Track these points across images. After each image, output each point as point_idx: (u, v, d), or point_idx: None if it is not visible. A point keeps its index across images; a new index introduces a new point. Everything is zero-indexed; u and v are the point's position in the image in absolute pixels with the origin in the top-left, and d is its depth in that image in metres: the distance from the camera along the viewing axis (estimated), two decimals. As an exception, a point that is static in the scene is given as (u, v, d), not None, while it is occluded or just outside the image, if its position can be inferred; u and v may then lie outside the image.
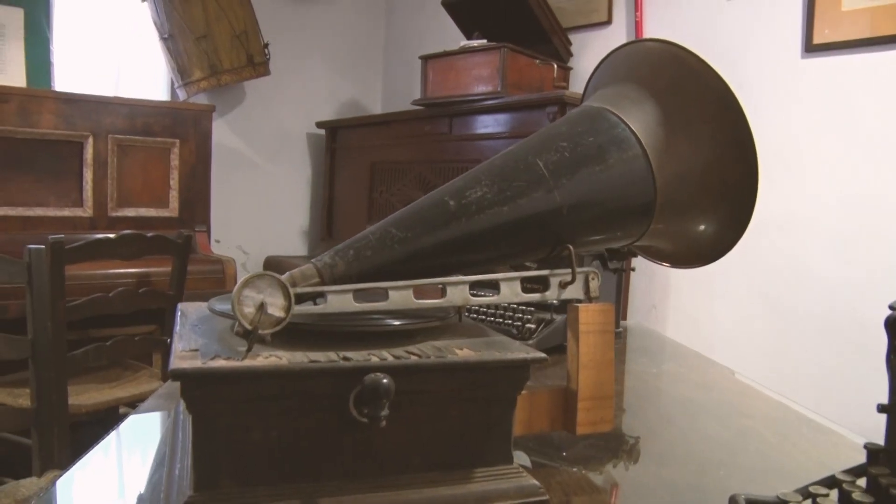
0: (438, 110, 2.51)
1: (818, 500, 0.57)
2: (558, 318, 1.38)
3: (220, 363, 0.56)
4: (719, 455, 0.86)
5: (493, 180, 0.74)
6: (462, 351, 0.65)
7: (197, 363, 0.56)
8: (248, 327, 0.58)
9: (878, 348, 1.88)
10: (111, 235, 1.77)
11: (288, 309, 0.60)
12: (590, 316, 0.78)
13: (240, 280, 0.59)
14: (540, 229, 0.75)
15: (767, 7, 2.02)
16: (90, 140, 2.32)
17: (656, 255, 0.95)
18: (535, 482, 0.67)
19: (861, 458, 0.85)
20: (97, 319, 1.78)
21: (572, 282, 0.76)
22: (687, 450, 0.87)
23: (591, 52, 2.58)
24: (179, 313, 0.78)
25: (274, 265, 2.97)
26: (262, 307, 0.59)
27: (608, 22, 2.50)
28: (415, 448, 0.64)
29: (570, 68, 2.56)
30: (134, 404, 2.25)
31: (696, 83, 0.81)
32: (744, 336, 2.15)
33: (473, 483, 0.66)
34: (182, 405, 0.84)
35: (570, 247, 0.77)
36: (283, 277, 0.61)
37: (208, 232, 2.56)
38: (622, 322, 1.66)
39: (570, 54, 2.59)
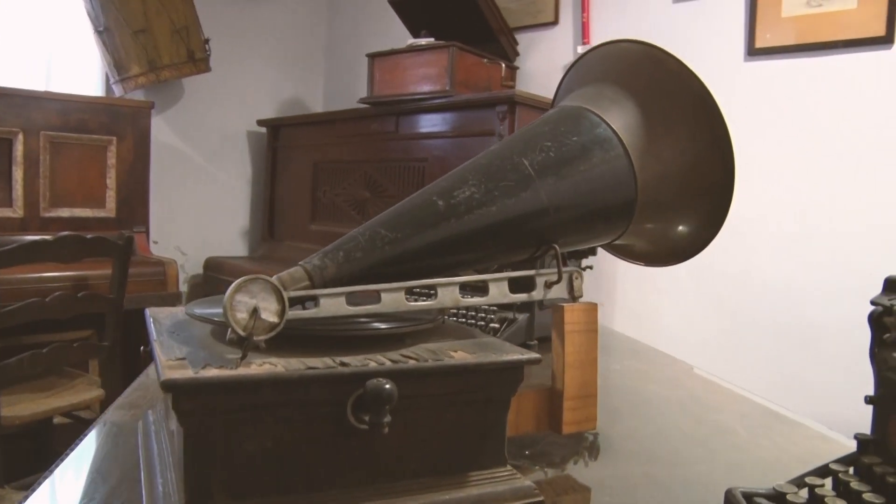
0: (385, 109, 2.48)
1: (815, 490, 0.58)
2: (521, 316, 1.38)
3: (214, 372, 0.54)
4: (698, 451, 0.87)
5: (480, 180, 0.73)
6: (458, 353, 0.64)
7: (189, 373, 0.53)
8: (242, 334, 0.56)
9: (822, 345, 1.95)
10: (48, 237, 1.68)
11: (282, 314, 0.58)
12: (575, 315, 0.78)
13: (232, 284, 0.56)
14: (526, 229, 0.75)
15: (712, 11, 2.08)
16: (20, 137, 2.20)
17: (629, 255, 0.96)
18: (530, 483, 0.67)
19: (829, 448, 0.88)
20: (27, 325, 1.69)
21: (558, 281, 0.76)
22: (667, 447, 0.88)
23: (537, 52, 2.60)
24: (151, 319, 0.74)
25: (215, 267, 2.89)
26: (255, 312, 0.57)
27: (555, 22, 2.52)
28: (411, 454, 0.63)
29: (517, 68, 2.58)
30: (71, 414, 2.15)
31: (674, 84, 0.81)
32: (688, 332, 2.21)
33: (469, 487, 0.65)
34: (152, 416, 0.80)
35: (556, 247, 0.77)
36: (273, 280, 0.59)
37: (147, 233, 2.46)
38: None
39: (517, 54, 2.60)
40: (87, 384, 2.05)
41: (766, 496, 0.60)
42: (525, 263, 0.78)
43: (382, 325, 0.67)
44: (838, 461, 0.62)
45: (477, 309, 1.39)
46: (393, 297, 0.65)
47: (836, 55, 1.85)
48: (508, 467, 0.68)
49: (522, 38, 2.61)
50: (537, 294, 0.76)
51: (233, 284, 0.56)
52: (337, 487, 0.60)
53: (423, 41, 2.38)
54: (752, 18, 1.97)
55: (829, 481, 0.61)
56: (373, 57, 2.48)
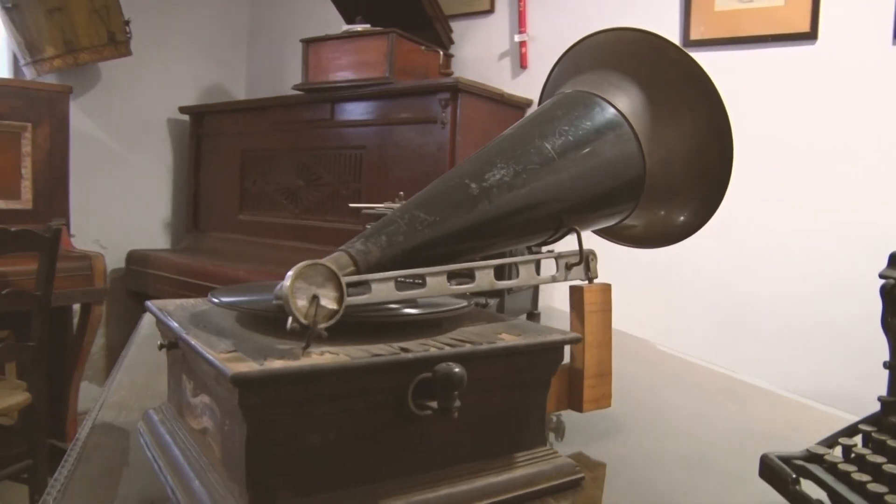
0: (320, 96, 2.43)
1: (852, 450, 0.62)
2: (492, 301, 1.39)
3: (280, 364, 0.51)
4: (699, 426, 0.90)
5: (507, 163, 0.72)
6: (504, 336, 0.64)
7: (255, 366, 0.50)
8: (305, 322, 0.53)
9: (754, 321, 2.04)
10: (-30, 231, 1.56)
11: (341, 300, 0.56)
12: (593, 296, 0.79)
13: (291, 270, 0.54)
14: (550, 212, 0.75)
15: (649, 3, 2.15)
16: (-80, 122, 2.02)
17: (621, 238, 0.98)
18: (571, 461, 0.68)
19: (812, 416, 0.94)
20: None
21: (579, 263, 0.77)
22: (668, 423, 0.91)
23: (472, 40, 2.61)
24: (164, 312, 0.69)
25: (139, 260, 2.75)
26: (314, 300, 0.54)
27: (490, 11, 2.53)
28: (462, 439, 0.62)
29: (452, 56, 2.58)
30: (-8, 421, 2.01)
31: (677, 71, 0.84)
32: (635, 312, 2.28)
33: (517, 468, 0.65)
34: (156, 416, 0.75)
35: (577, 229, 0.77)
36: (332, 266, 0.56)
37: (68, 225, 2.31)
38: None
39: (452, 42, 2.60)
40: (10, 388, 1.91)
41: (804, 458, 0.63)
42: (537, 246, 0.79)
43: (415, 311, 0.66)
44: (864, 421, 0.65)
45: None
46: (437, 281, 0.64)
47: (765, 49, 1.95)
48: (549, 446, 0.68)
49: (457, 26, 2.61)
50: (559, 275, 0.76)
51: (292, 271, 0.54)
52: (395, 478, 0.58)
53: (359, 27, 2.35)
54: (686, 11, 2.05)
55: (858, 439, 0.64)
56: (307, 43, 2.42)
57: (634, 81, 0.84)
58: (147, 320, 1.32)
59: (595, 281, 0.80)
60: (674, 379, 1.17)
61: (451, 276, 0.66)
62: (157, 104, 3.00)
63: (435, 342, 0.60)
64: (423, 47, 2.38)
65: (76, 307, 2.41)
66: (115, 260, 2.84)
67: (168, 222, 3.13)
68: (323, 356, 0.54)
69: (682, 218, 0.90)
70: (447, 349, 0.58)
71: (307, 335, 0.53)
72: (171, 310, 0.71)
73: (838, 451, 0.64)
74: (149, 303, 0.75)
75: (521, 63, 2.48)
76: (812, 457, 0.63)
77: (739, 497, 0.67)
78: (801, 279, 1.96)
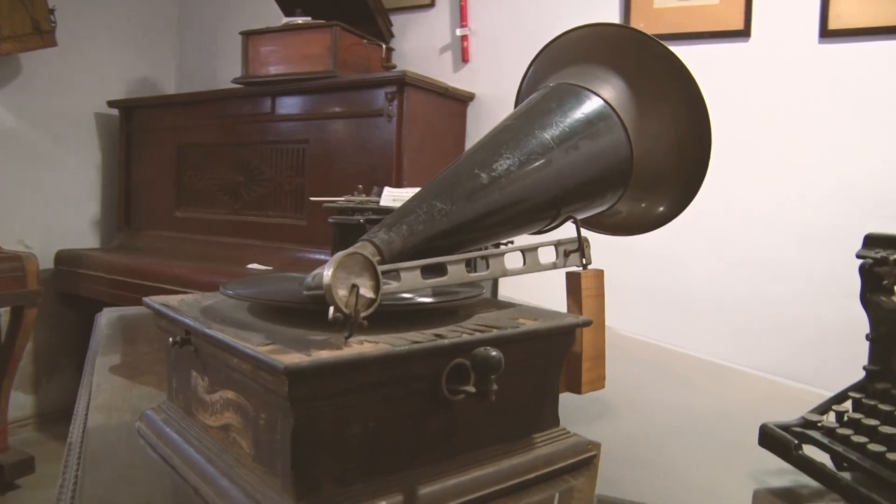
0: (260, 89, 2.38)
1: (844, 416, 0.66)
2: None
3: (328, 354, 0.51)
4: (682, 402, 0.95)
5: (512, 153, 0.74)
6: (524, 321, 0.65)
7: (304, 357, 0.50)
8: (348, 312, 0.53)
9: (693, 302, 2.11)
10: None
11: (377, 289, 0.56)
12: (589, 281, 0.82)
13: (331, 259, 0.54)
14: (551, 200, 0.77)
15: (588, -1, 2.21)
16: None
17: (600, 226, 1.01)
18: (585, 440, 0.70)
19: (779, 390, 0.99)
20: None
21: (578, 250, 0.79)
22: (650, 401, 0.95)
23: (412, 34, 2.61)
24: (167, 309, 0.68)
25: (70, 260, 2.62)
26: (354, 289, 0.54)
27: (431, 5, 2.54)
28: (488, 422, 0.63)
29: (393, 49, 2.57)
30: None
31: (659, 66, 0.87)
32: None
33: (537, 449, 0.66)
34: (157, 416, 0.73)
35: (575, 216, 0.80)
36: (368, 255, 0.56)
37: (-8, 226, 2.19)
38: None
39: (392, 35, 2.60)
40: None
41: (801, 426, 0.68)
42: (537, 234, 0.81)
43: (431, 299, 0.67)
44: (851, 389, 0.70)
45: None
46: (457, 269, 0.65)
47: (703, 45, 2.04)
48: (562, 426, 0.70)
49: (397, 20, 2.61)
50: (560, 262, 0.78)
51: (333, 260, 0.53)
52: (428, 464, 0.59)
53: (299, 20, 2.31)
54: (626, 7, 2.12)
55: (848, 405, 0.69)
56: (247, 35, 2.37)
57: (618, 74, 0.87)
58: (105, 320, 1.27)
59: (588, 267, 0.82)
60: (638, 360, 1.21)
61: (468, 263, 0.67)
62: (83, 98, 2.86)
63: (464, 328, 0.61)
64: (365, 41, 2.37)
65: (2, 311, 2.29)
66: (44, 261, 2.70)
67: (97, 221, 2.99)
68: (363, 345, 0.54)
69: (662, 205, 0.93)
70: (477, 335, 0.59)
71: (349, 325, 0.53)
72: (175, 305, 0.69)
73: (831, 417, 0.68)
74: (148, 300, 0.73)
75: (463, 57, 2.51)
76: (808, 424, 0.68)
77: (741, 464, 0.71)
78: (735, 263, 2.06)
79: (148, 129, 2.77)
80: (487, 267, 0.69)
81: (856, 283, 1.91)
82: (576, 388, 0.81)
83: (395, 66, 2.46)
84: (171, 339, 0.65)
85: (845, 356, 1.81)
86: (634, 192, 0.90)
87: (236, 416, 0.59)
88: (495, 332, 0.60)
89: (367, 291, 0.55)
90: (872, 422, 0.64)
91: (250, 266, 2.28)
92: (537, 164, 0.74)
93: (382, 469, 0.56)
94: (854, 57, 1.87)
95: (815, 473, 0.63)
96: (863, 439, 0.62)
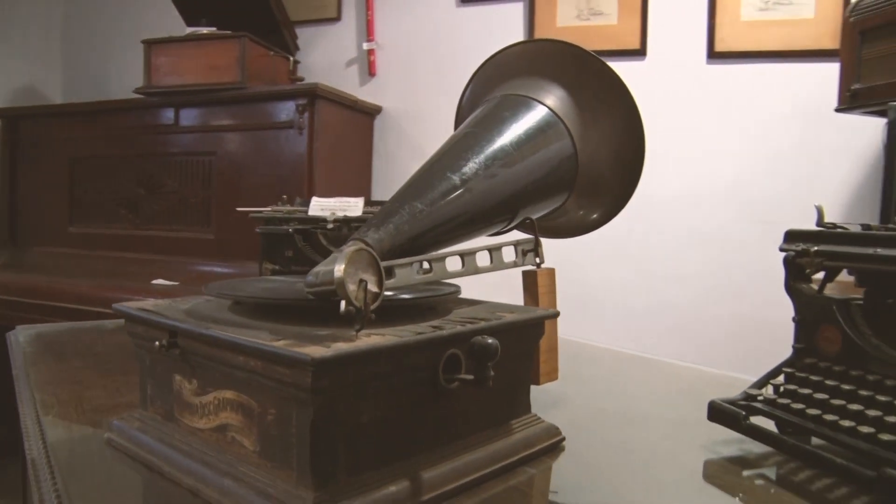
0: (162, 100, 2.31)
1: (780, 388, 0.75)
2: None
3: (346, 346, 0.53)
4: (617, 388, 1.02)
5: (477, 158, 0.78)
6: (504, 314, 0.70)
7: (324, 350, 0.52)
8: (359, 306, 0.56)
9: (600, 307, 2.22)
10: None
11: (381, 284, 0.59)
12: (543, 279, 0.87)
13: (342, 255, 0.56)
14: (512, 202, 0.82)
15: (495, 16, 2.29)
16: None
17: (541, 229, 1.07)
18: (555, 425, 0.75)
19: (691, 373, 1.09)
20: None
21: (534, 249, 0.85)
22: (590, 389, 1.01)
23: (318, 47, 2.62)
24: (149, 314, 0.67)
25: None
26: (363, 283, 0.57)
27: (337, 18, 2.56)
28: (474, 411, 0.67)
29: (299, 62, 2.56)
30: None
31: (599, 79, 0.94)
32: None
33: (516, 433, 0.71)
34: (124, 424, 0.72)
35: (532, 218, 0.85)
36: (373, 251, 0.59)
37: None
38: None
39: (298, 48, 2.59)
40: None
41: (745, 399, 0.76)
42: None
43: (408, 296, 0.70)
44: (783, 365, 0.79)
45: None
46: (440, 266, 0.68)
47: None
48: (533, 412, 0.75)
49: (303, 33, 2.60)
50: (519, 261, 0.83)
51: (343, 256, 0.55)
52: (427, 451, 0.62)
53: (204, 30, 2.27)
54: (530, 25, 2.22)
55: (781, 379, 0.78)
56: (150, 44, 2.29)
57: (562, 86, 0.94)
58: (23, 338, 1.21)
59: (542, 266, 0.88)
60: (570, 355, 1.28)
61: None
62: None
63: (454, 321, 0.65)
64: (272, 53, 2.35)
65: None
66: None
67: (-25, 239, 2.79)
68: (371, 338, 0.56)
69: (600, 209, 1.00)
70: (469, 326, 0.63)
71: (360, 318, 0.56)
72: (154, 310, 0.69)
73: (769, 390, 0.77)
74: (123, 306, 0.72)
75: (370, 70, 2.54)
76: (751, 397, 0.76)
77: (691, 438, 0.78)
78: (636, 267, 2.19)
79: (36, 140, 2.61)
80: (463, 265, 0.73)
81: (744, 283, 2.12)
82: (535, 380, 0.86)
83: (302, 79, 2.46)
84: (157, 343, 0.65)
85: (739, 353, 1.97)
86: (576, 196, 0.96)
87: (236, 414, 0.60)
88: (486, 324, 0.64)
89: (372, 286, 0.58)
90: (806, 391, 0.73)
91: (155, 282, 2.20)
92: (500, 167, 0.79)
93: (389, 457, 0.59)
94: (737, 76, 2.05)
95: (764, 438, 0.71)
96: (800, 406, 0.70)
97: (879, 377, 0.69)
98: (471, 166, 0.76)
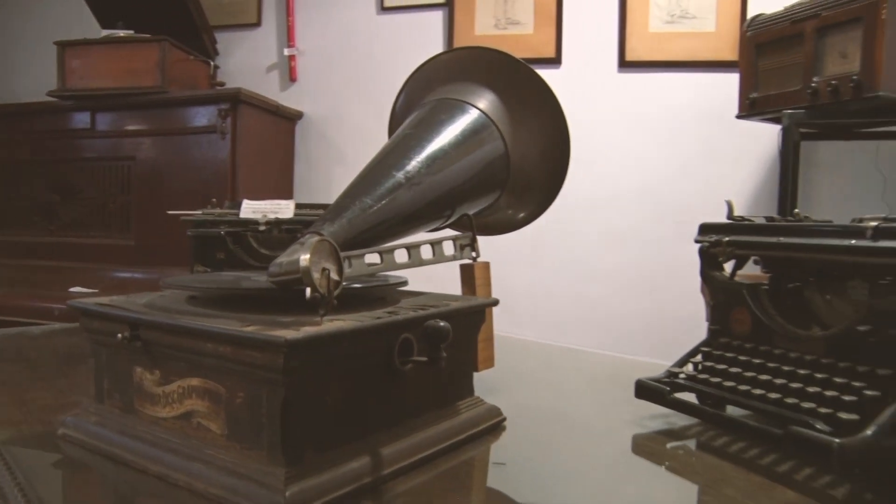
0: (78, 104, 2.26)
1: (699, 366, 0.83)
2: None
3: (315, 329, 0.57)
4: (543, 376, 1.08)
5: (419, 157, 0.83)
6: (449, 302, 0.75)
7: (295, 333, 0.55)
8: (324, 293, 0.59)
9: (518, 306, 2.29)
10: None
11: (341, 273, 0.63)
12: (480, 272, 0.93)
13: (306, 245, 0.60)
14: (451, 199, 0.87)
15: (415, 24, 2.35)
16: None
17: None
18: (496, 406, 0.81)
19: (610, 363, 1.17)
20: None
21: (471, 244, 0.90)
22: (519, 376, 1.08)
23: (238, 52, 2.61)
24: (108, 308, 0.69)
25: None
26: (326, 272, 0.61)
27: (257, 24, 2.55)
28: (423, 392, 0.72)
29: (219, 67, 2.55)
30: None
31: (527, 85, 1.00)
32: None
33: (461, 414, 0.76)
34: (77, 420, 0.73)
35: (470, 214, 0.91)
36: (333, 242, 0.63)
37: None
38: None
39: (217, 53, 2.57)
40: None
41: (668, 377, 0.84)
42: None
43: (358, 285, 0.75)
44: (701, 345, 0.87)
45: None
46: (389, 258, 0.73)
47: (521, 69, 2.26)
48: (476, 395, 0.80)
49: (222, 37, 2.59)
50: (457, 255, 0.89)
51: (308, 246, 0.59)
52: (384, 429, 0.66)
53: (121, 33, 2.23)
54: (450, 34, 2.29)
55: (699, 358, 0.86)
56: (63, 46, 2.23)
57: (494, 91, 1.00)
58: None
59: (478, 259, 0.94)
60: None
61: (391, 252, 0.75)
62: None
63: (406, 308, 0.69)
64: (192, 57, 2.33)
65: None
66: None
67: None
68: (335, 322, 0.60)
69: (528, 207, 1.07)
70: (420, 312, 0.68)
71: (324, 304, 0.60)
72: (114, 304, 0.70)
73: (689, 368, 0.85)
74: (80, 302, 0.73)
75: (291, 76, 2.55)
76: (673, 374, 0.84)
77: (623, 415, 0.86)
78: (554, 267, 2.29)
79: (-64, 144, 2.50)
80: (409, 257, 0.77)
81: (659, 279, 2.26)
82: (473, 367, 0.92)
83: (223, 84, 2.45)
84: (119, 336, 0.66)
85: (655, 343, 2.10)
86: (507, 195, 1.02)
87: (202, 401, 0.63)
88: (436, 310, 0.69)
89: (334, 275, 0.62)
90: (721, 366, 0.81)
91: (73, 290, 2.14)
92: (440, 166, 0.84)
93: (350, 435, 0.63)
94: (646, 84, 2.18)
95: (686, 410, 0.78)
96: (717, 379, 0.79)
97: (784, 351, 0.78)
98: (414, 165, 0.81)
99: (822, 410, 0.67)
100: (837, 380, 0.70)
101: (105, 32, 2.26)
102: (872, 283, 0.75)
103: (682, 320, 1.48)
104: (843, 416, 0.66)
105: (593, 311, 2.24)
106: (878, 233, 0.72)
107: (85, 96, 2.24)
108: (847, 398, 0.67)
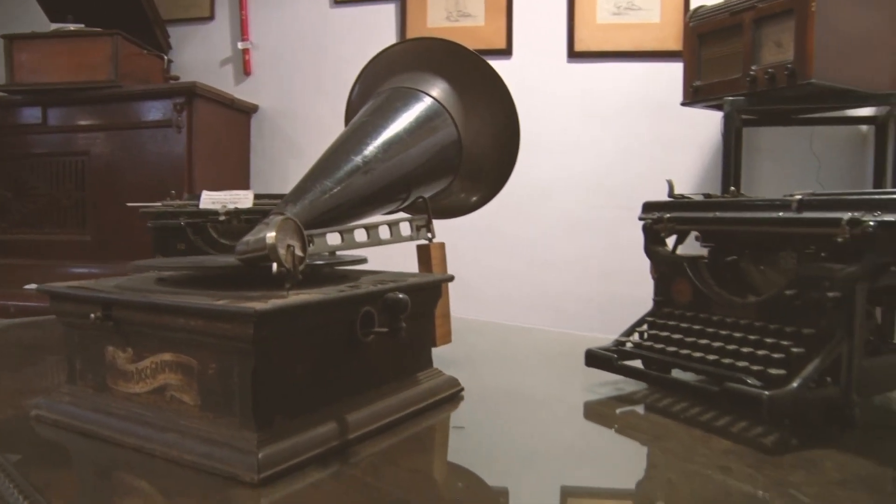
0: (27, 98, 2.23)
1: (644, 334, 0.89)
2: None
3: (283, 301, 0.61)
4: (500, 350, 1.13)
5: (375, 143, 0.87)
6: (407, 278, 0.79)
7: (264, 304, 0.59)
8: (289, 268, 0.63)
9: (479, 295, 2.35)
10: None
11: (304, 249, 0.66)
12: (436, 251, 0.97)
13: (272, 224, 0.63)
14: (407, 182, 0.91)
15: (368, 17, 2.38)
16: None
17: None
18: (454, 377, 0.85)
19: (564, 339, 1.23)
20: None
21: (427, 225, 0.94)
22: (473, 351, 1.13)
23: (191, 45, 2.60)
24: (81, 291, 0.72)
25: None
26: (290, 248, 0.64)
27: (211, 17, 2.55)
28: (385, 362, 0.76)
29: (172, 61, 2.54)
30: None
31: (477, 74, 1.05)
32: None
33: (421, 384, 0.80)
34: (50, 402, 0.75)
35: (425, 197, 0.95)
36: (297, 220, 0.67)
37: None
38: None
39: (170, 47, 2.56)
40: None
41: (616, 345, 0.89)
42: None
43: (321, 262, 0.78)
44: (646, 315, 0.93)
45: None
46: (350, 237, 0.77)
47: (472, 60, 2.31)
48: (435, 367, 0.85)
49: (174, 31, 2.58)
50: (414, 235, 0.93)
51: (274, 224, 0.63)
52: (348, 397, 0.70)
53: (71, 26, 2.21)
54: (402, 26, 2.33)
55: (645, 327, 0.92)
56: (10, 39, 2.20)
57: (445, 79, 1.04)
58: None
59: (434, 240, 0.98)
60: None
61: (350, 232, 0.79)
62: None
63: (367, 283, 0.73)
64: (145, 51, 2.32)
65: None
66: None
67: None
68: (300, 296, 0.64)
69: (480, 191, 1.12)
70: (380, 286, 0.72)
71: (290, 278, 0.63)
72: (87, 286, 0.73)
73: (636, 336, 0.90)
74: (53, 286, 0.75)
75: (245, 70, 2.55)
76: (620, 343, 0.90)
77: (575, 383, 0.91)
78: (511, 254, 2.35)
79: None
80: (368, 237, 0.82)
81: (612, 262, 2.33)
82: (432, 343, 0.96)
83: (177, 78, 2.44)
84: (92, 316, 0.69)
85: (608, 326, 2.17)
86: (460, 179, 1.07)
87: (175, 374, 0.66)
88: (395, 284, 0.74)
89: (298, 251, 0.66)
90: (665, 333, 0.87)
91: (28, 287, 2.12)
92: (395, 151, 0.88)
93: (317, 403, 0.67)
94: (595, 74, 2.25)
95: (634, 375, 0.84)
96: (661, 345, 0.85)
97: (721, 317, 0.84)
98: (371, 150, 0.85)
99: (755, 368, 0.73)
100: (768, 340, 0.76)
101: (54, 26, 2.24)
102: (800, 252, 0.82)
103: (635, 300, 1.54)
104: (773, 371, 0.72)
105: (548, 295, 2.30)
106: (803, 205, 0.79)
107: (35, 91, 2.22)
108: (776, 356, 0.73)
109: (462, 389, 0.85)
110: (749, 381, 0.73)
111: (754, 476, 0.61)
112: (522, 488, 0.61)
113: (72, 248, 2.23)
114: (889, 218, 0.70)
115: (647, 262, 0.97)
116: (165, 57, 2.40)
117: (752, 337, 0.79)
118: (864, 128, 2.17)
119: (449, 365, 0.98)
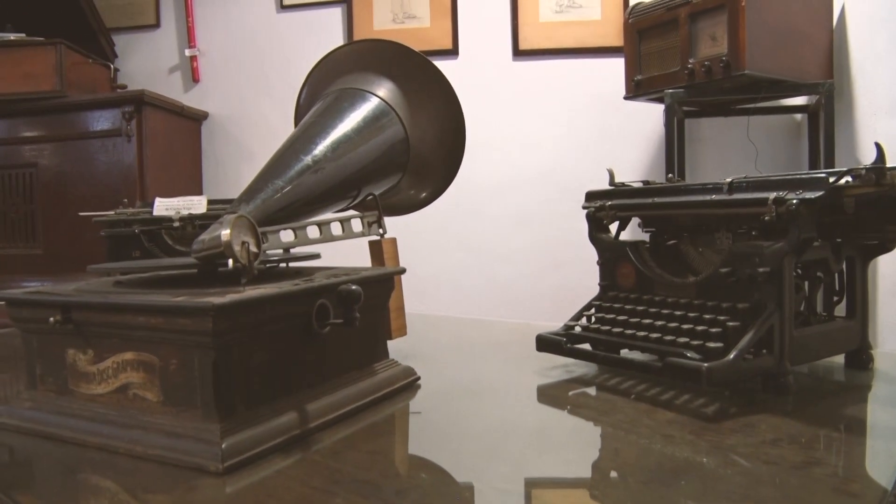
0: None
1: (592, 318, 0.93)
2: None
3: (237, 296, 0.63)
4: (453, 342, 1.17)
5: (324, 143, 0.90)
6: (362, 271, 0.82)
7: (225, 299, 0.61)
8: (245, 263, 0.66)
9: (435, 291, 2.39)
10: None
11: (259, 245, 0.69)
12: (388, 246, 1.00)
13: (226, 222, 0.66)
14: (357, 180, 0.94)
15: (314, 21, 2.39)
16: None
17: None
18: (410, 367, 0.88)
19: (518, 329, 1.26)
20: None
21: (378, 221, 0.97)
22: (431, 343, 1.16)
23: (137, 53, 2.58)
24: (42, 296, 0.73)
25: None
26: (245, 245, 0.67)
27: (157, 25, 2.54)
28: (342, 354, 0.79)
29: (118, 69, 2.52)
30: None
31: (422, 73, 1.08)
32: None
33: (378, 374, 0.83)
34: (19, 405, 0.76)
35: (375, 194, 0.98)
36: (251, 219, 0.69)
37: None
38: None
39: (116, 55, 2.54)
40: None
41: (565, 329, 0.93)
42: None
43: (276, 257, 0.81)
44: (594, 300, 0.97)
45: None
46: (302, 234, 0.80)
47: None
48: (391, 358, 0.88)
49: (120, 40, 2.56)
50: (365, 231, 0.96)
51: (228, 222, 0.65)
52: (307, 388, 0.73)
53: (11, 36, 2.18)
54: (349, 29, 2.35)
55: (592, 311, 0.96)
56: (-50, 52, 2.16)
57: (391, 80, 1.07)
58: None
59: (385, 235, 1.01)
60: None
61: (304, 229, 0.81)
62: None
63: (321, 277, 0.76)
64: (90, 60, 2.30)
65: None
66: None
67: None
68: (257, 290, 0.67)
69: (428, 188, 1.15)
70: (333, 279, 0.74)
71: (246, 273, 0.66)
72: (46, 291, 0.74)
73: (584, 321, 0.95)
74: (9, 292, 0.76)
75: (194, 77, 2.54)
76: (569, 328, 0.94)
77: (528, 369, 0.95)
78: (467, 251, 2.39)
79: None
80: (321, 233, 0.84)
81: (564, 255, 2.40)
82: (388, 336, 0.99)
83: (125, 87, 2.42)
84: (51, 320, 0.70)
85: (562, 318, 2.22)
86: (409, 176, 1.10)
87: (137, 373, 0.68)
88: (348, 277, 0.76)
89: (253, 247, 0.68)
90: (611, 316, 0.91)
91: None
92: (344, 149, 0.91)
93: (277, 393, 0.69)
94: (540, 72, 2.31)
95: (583, 356, 0.89)
96: (608, 327, 0.89)
97: (663, 297, 0.89)
98: (320, 149, 0.88)
99: (694, 343, 0.78)
100: (706, 316, 0.81)
101: (-6, 37, 2.20)
102: (734, 232, 0.87)
103: (586, 288, 1.59)
104: (711, 345, 0.76)
105: (503, 290, 2.35)
106: (733, 188, 0.84)
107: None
108: (713, 330, 0.78)
109: (418, 378, 0.88)
110: (689, 354, 0.77)
111: (694, 441, 0.65)
112: (481, 468, 0.64)
113: (23, 262, 2.20)
114: (809, 195, 0.75)
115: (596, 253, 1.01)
116: (112, 65, 2.38)
117: (691, 314, 0.83)
118: (798, 116, 2.27)
119: (406, 357, 1.01)
